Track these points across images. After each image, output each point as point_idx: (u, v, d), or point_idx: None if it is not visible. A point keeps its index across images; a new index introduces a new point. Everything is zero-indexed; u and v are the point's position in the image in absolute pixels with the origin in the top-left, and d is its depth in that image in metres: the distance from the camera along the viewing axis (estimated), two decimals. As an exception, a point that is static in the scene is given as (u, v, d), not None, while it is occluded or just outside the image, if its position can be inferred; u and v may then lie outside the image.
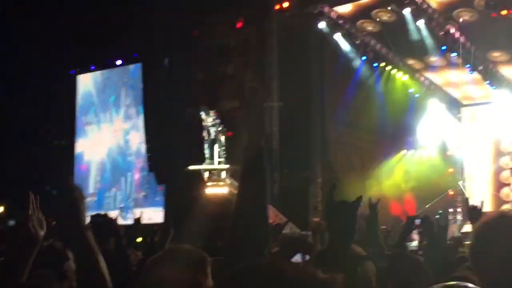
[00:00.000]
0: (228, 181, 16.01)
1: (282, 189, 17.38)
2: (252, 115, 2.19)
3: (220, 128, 16.25)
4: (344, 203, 3.00)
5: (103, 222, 4.88)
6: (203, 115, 16.40)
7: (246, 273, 1.28)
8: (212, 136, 16.35)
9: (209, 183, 16.07)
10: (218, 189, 15.89)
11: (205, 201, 14.93)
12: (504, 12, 15.65)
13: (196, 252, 2.64)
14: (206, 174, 16.32)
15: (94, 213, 5.52)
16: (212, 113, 16.31)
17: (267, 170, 2.14)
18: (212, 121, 16.35)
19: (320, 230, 8.34)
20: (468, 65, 17.63)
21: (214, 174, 16.28)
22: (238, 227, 2.05)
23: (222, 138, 16.26)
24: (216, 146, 16.35)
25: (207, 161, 16.38)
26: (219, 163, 16.28)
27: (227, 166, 16.10)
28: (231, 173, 16.03)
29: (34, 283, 2.62)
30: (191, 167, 16.41)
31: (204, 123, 16.38)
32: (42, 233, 2.66)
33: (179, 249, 2.72)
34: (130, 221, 17.16)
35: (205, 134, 16.37)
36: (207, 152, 16.39)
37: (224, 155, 16.20)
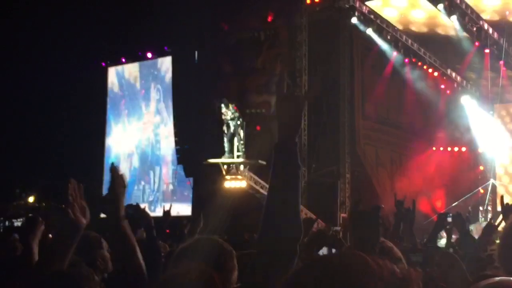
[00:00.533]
0: (246, 174, 16.03)
1: (310, 184, 17.32)
2: (287, 110, 2.16)
3: (239, 122, 16.28)
4: (366, 213, 3.08)
5: (134, 213, 4.88)
6: (223, 108, 16.45)
7: (327, 263, 1.24)
8: (232, 129, 16.39)
9: (227, 177, 16.11)
10: (237, 182, 15.92)
11: (224, 194, 14.96)
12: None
13: (223, 244, 2.64)
14: (225, 168, 16.39)
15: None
16: (231, 106, 16.33)
17: (300, 166, 2.11)
18: (231, 115, 16.37)
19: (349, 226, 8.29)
20: (501, 61, 17.40)
21: (233, 168, 16.32)
22: (270, 223, 2.02)
23: (241, 132, 16.29)
24: (235, 140, 16.39)
25: (226, 154, 16.44)
26: (238, 156, 16.33)
27: (246, 159, 16.14)
28: (250, 167, 16.07)
29: (75, 270, 2.64)
30: (210, 160, 16.50)
31: (223, 117, 16.43)
32: (84, 221, 2.68)
33: (207, 240, 2.72)
34: (158, 214, 17.25)
35: (224, 127, 16.43)
36: (226, 145, 16.45)
37: (243, 149, 16.25)
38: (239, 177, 15.98)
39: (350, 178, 17.88)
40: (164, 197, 20.75)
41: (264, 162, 14.81)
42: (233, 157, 16.32)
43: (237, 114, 16.28)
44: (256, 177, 15.79)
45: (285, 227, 2.00)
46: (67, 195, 2.54)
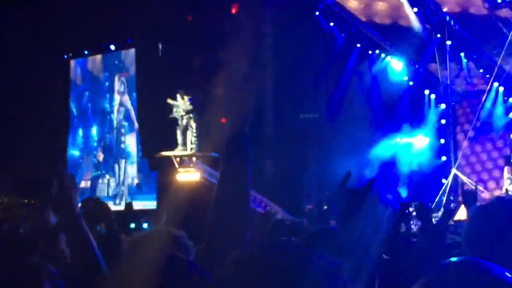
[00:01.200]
0: (200, 167, 16.05)
1: (276, 176, 17.38)
2: (238, 101, 2.17)
3: (191, 115, 16.34)
4: (356, 190, 3.00)
5: (95, 207, 4.84)
6: (178, 100, 16.51)
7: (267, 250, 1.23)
8: (185, 122, 16.45)
9: (180, 169, 16.14)
10: (189, 175, 15.95)
11: (177, 187, 14.97)
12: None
13: (178, 235, 2.63)
14: (177, 160, 16.43)
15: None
16: (186, 98, 16.41)
17: (249, 156, 2.12)
18: (185, 107, 16.45)
19: (314, 218, 8.32)
20: (463, 53, 17.64)
21: (185, 161, 16.35)
22: (219, 214, 2.03)
23: (194, 124, 16.35)
24: (188, 133, 16.44)
25: (180, 147, 16.49)
26: (191, 149, 16.38)
27: (198, 152, 16.20)
28: (205, 159, 16.10)
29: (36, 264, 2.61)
30: (162, 153, 16.54)
31: (177, 109, 16.50)
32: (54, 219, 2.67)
33: (160, 231, 2.72)
34: (122, 208, 17.21)
35: (178, 120, 16.49)
36: (179, 138, 16.49)
37: (196, 141, 16.30)
38: (191, 169, 16.00)
39: (316, 170, 17.99)
40: (129, 191, 20.63)
41: (216, 154, 14.85)
42: (186, 150, 16.39)
43: (191, 107, 16.33)
44: (211, 169, 15.79)
45: (233, 217, 2.01)
46: (49, 193, 2.53)
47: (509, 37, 16.41)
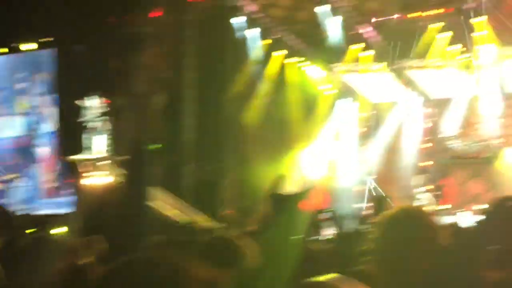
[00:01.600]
0: (108, 171, 15.86)
1: (196, 182, 17.33)
2: (141, 108, 2.14)
3: (102, 118, 16.19)
4: (288, 196, 3.01)
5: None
6: (90, 102, 16.33)
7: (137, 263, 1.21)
8: (95, 125, 16.29)
9: (86, 174, 15.92)
10: (96, 179, 15.74)
11: (84, 191, 14.76)
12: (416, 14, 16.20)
13: (70, 243, 2.57)
14: (85, 164, 16.21)
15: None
16: (99, 101, 16.27)
17: (145, 164, 2.10)
18: (98, 109, 16.29)
19: (234, 222, 8.36)
20: (386, 63, 18.06)
21: (93, 164, 16.16)
22: (116, 219, 2.00)
23: (104, 127, 16.19)
24: (98, 136, 16.27)
25: (88, 151, 16.29)
26: (100, 153, 16.21)
27: (106, 155, 16.03)
28: (112, 164, 15.93)
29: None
30: (70, 157, 16.30)
31: (88, 111, 16.32)
32: None
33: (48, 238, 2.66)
34: (40, 212, 16.90)
35: (89, 123, 16.32)
36: (88, 141, 16.30)
37: (109, 145, 16.14)
38: (99, 173, 15.77)
39: (234, 176, 18.03)
40: (48, 194, 20.14)
41: (121, 158, 14.69)
42: (94, 153, 16.18)
43: (103, 110, 16.17)
44: (119, 174, 15.61)
45: (128, 223, 1.99)
46: None
47: (414, 47, 16.99)
